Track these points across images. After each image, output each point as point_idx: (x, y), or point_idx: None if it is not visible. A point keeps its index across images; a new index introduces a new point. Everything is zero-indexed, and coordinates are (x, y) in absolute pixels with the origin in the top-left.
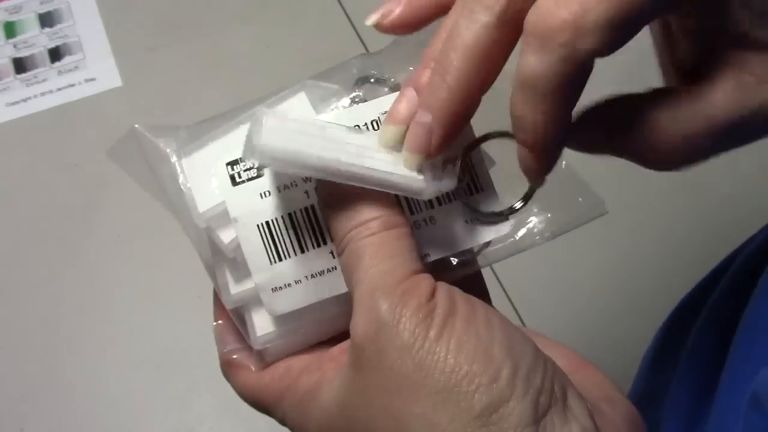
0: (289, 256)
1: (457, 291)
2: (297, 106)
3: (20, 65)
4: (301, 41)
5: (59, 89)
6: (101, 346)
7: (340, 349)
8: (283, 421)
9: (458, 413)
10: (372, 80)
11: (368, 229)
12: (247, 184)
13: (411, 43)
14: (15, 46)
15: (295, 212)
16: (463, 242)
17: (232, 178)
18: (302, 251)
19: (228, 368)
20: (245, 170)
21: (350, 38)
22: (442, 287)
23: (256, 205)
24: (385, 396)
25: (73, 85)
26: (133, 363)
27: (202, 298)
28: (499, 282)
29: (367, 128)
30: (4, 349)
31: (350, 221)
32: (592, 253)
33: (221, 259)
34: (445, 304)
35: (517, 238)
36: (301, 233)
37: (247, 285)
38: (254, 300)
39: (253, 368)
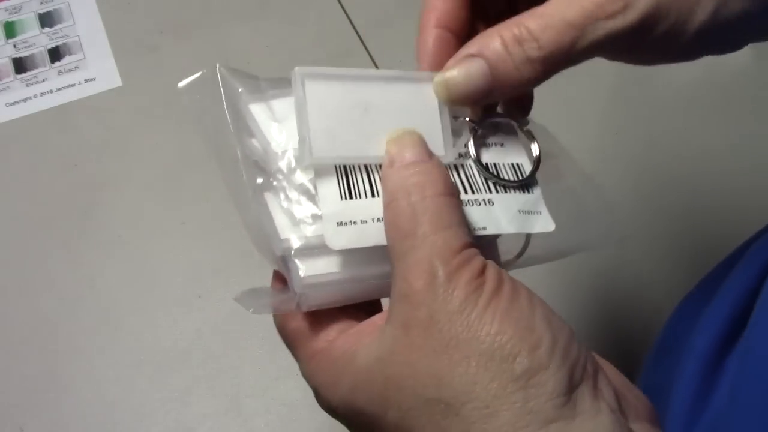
0: (360, 197)
1: (503, 271)
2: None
3: (20, 65)
4: (301, 41)
5: (59, 89)
6: (101, 346)
7: (381, 317)
8: (307, 378)
9: (499, 374)
10: None
11: (423, 191)
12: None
13: None
14: (15, 46)
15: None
16: (513, 227)
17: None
18: (373, 196)
19: (280, 321)
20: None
21: (350, 38)
22: (492, 265)
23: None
24: (432, 355)
25: (73, 85)
26: (133, 363)
27: (202, 297)
28: None
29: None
30: (4, 349)
31: (413, 176)
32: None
33: (279, 206)
34: (494, 280)
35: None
36: (374, 180)
37: (300, 232)
38: (303, 250)
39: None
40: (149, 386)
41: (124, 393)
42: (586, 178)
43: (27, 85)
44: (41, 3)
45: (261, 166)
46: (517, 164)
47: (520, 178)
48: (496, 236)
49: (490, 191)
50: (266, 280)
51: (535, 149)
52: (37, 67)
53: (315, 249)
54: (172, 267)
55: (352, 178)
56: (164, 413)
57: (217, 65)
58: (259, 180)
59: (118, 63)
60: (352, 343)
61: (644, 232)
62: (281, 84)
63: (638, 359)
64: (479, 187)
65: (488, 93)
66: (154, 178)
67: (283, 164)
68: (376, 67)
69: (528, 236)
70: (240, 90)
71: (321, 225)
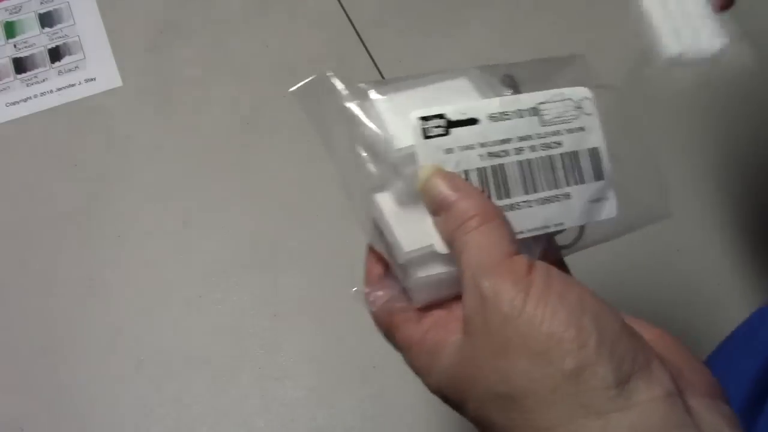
0: None
1: (554, 269)
2: (459, 87)
3: (20, 65)
4: (301, 41)
5: (59, 89)
6: (101, 346)
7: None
8: (408, 363)
9: (552, 371)
10: (510, 81)
11: (468, 227)
12: (434, 139)
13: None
14: (15, 46)
15: (468, 171)
16: (584, 218)
17: (423, 131)
18: None
19: (381, 314)
20: (435, 127)
21: (350, 38)
22: (540, 265)
23: (440, 158)
24: (493, 357)
25: (73, 85)
26: (133, 363)
27: (202, 297)
28: None
29: (526, 114)
30: (4, 348)
31: (452, 223)
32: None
33: (399, 220)
34: (542, 280)
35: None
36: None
37: (416, 246)
38: (417, 258)
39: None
40: (149, 386)
41: (124, 393)
42: (642, 147)
43: (27, 85)
44: (41, 3)
45: (377, 166)
46: (595, 149)
47: (598, 165)
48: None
49: (569, 184)
50: (266, 281)
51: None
52: (37, 67)
53: (427, 254)
54: (172, 267)
55: None
56: (164, 413)
57: (327, 73)
58: (374, 179)
59: (118, 63)
60: (440, 337)
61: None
62: (386, 85)
63: None
64: (560, 180)
65: None
66: (154, 178)
67: (400, 161)
68: (376, 66)
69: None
70: (362, 86)
71: (430, 233)
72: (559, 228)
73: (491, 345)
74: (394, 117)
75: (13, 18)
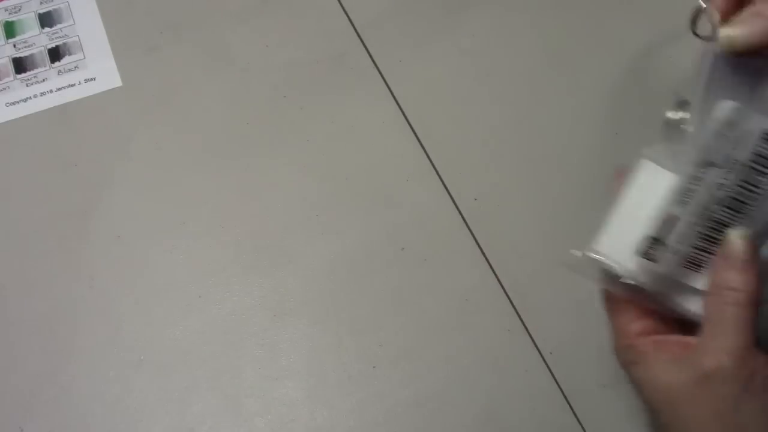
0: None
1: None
2: (650, 174)
3: (20, 65)
4: (301, 41)
5: (59, 89)
6: (101, 346)
7: (676, 343)
8: (614, 339)
9: None
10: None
11: (735, 298)
12: (662, 259)
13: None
14: (15, 46)
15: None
16: None
17: (651, 264)
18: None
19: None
20: (653, 253)
21: (350, 38)
22: (761, 374)
23: (675, 263)
24: (695, 420)
25: (73, 85)
26: (133, 363)
27: (202, 297)
28: None
29: (704, 174)
30: (4, 349)
31: (728, 282)
32: None
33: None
34: (759, 390)
35: None
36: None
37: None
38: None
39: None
40: (149, 386)
41: (124, 393)
42: None
43: (27, 85)
44: (41, 3)
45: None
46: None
47: None
48: None
49: None
50: (266, 281)
51: None
52: (37, 67)
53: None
54: (172, 267)
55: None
56: (164, 413)
57: (585, 253)
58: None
59: (118, 63)
60: (646, 350)
61: None
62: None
63: None
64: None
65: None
66: (154, 178)
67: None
68: (376, 66)
69: None
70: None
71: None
72: None
73: (695, 408)
74: (618, 254)
75: (13, 18)
